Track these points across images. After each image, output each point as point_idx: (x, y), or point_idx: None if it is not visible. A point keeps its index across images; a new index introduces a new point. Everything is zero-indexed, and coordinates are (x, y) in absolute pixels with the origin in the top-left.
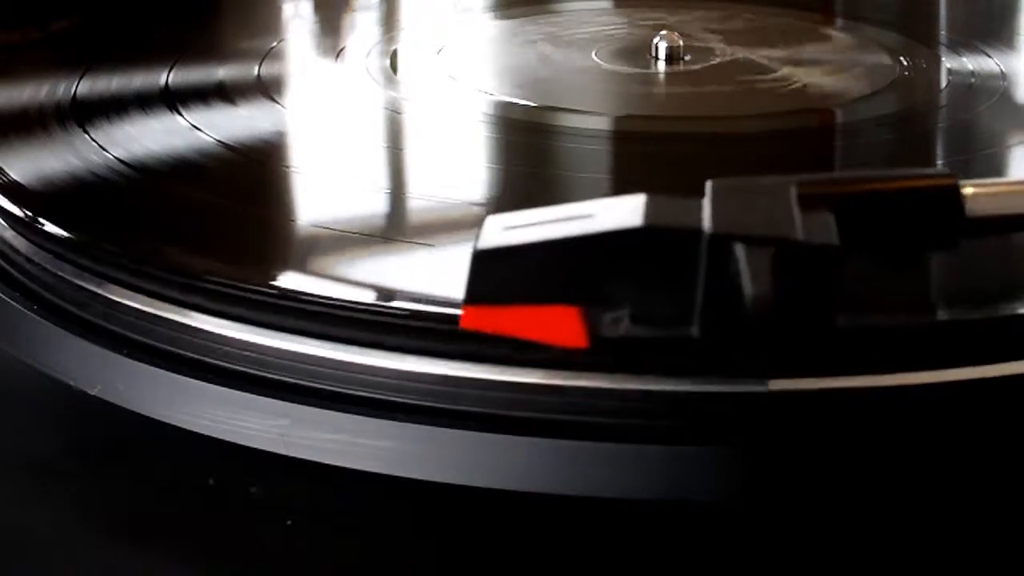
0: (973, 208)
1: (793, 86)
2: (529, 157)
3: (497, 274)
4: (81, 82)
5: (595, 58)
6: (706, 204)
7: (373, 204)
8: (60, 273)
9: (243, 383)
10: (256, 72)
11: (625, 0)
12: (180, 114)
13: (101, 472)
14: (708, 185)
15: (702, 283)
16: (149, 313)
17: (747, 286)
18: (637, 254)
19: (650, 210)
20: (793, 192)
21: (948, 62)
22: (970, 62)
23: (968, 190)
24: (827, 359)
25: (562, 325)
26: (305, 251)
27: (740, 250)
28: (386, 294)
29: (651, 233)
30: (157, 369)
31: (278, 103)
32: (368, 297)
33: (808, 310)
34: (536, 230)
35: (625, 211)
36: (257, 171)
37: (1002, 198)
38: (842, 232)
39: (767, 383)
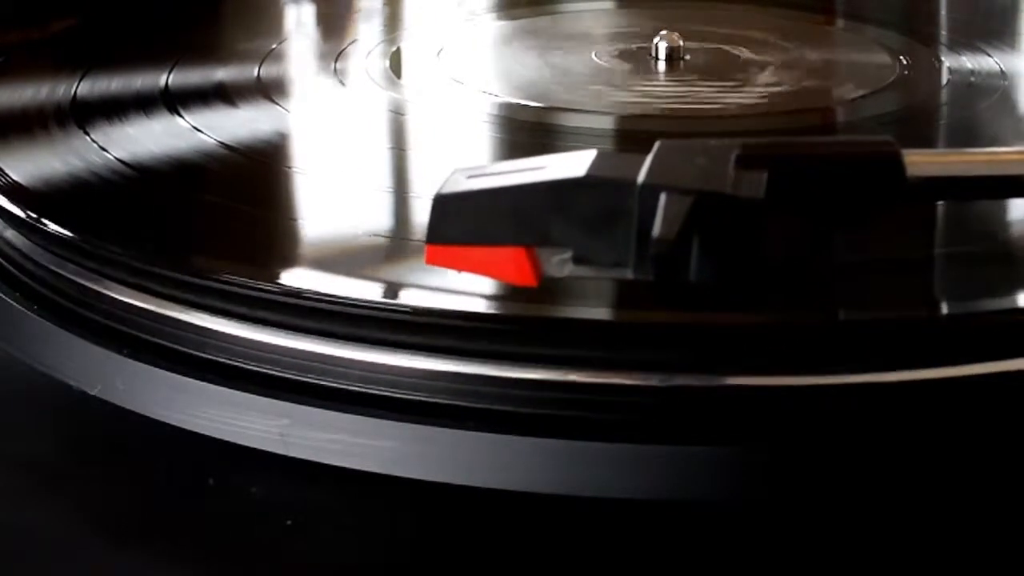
0: (914, 172)
1: (793, 86)
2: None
3: (455, 217)
4: (81, 83)
5: (596, 58)
6: (648, 159)
7: (374, 204)
8: (60, 273)
9: (243, 383)
10: (256, 73)
11: (626, 0)
12: (180, 115)
13: (101, 472)
14: (656, 143)
15: (634, 229)
16: (149, 312)
17: (656, 229)
18: (579, 202)
19: (595, 163)
20: (734, 153)
21: (948, 61)
22: (970, 61)
23: (909, 156)
24: (827, 359)
25: (512, 265)
26: (305, 251)
27: (663, 198)
28: (387, 292)
29: (591, 183)
30: (157, 369)
31: (278, 104)
32: (369, 296)
33: (730, 260)
34: (492, 179)
35: (573, 164)
36: (257, 172)
37: (942, 164)
38: (778, 192)
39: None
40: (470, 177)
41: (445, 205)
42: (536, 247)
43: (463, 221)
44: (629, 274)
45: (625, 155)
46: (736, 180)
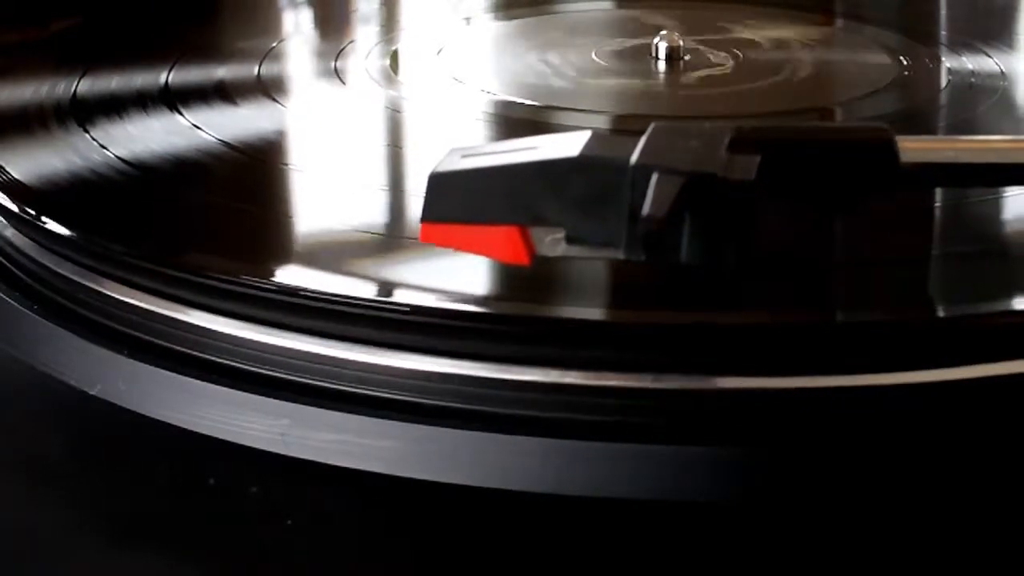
0: (908, 159)
1: (793, 86)
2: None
3: (450, 196)
4: (81, 81)
5: (595, 58)
6: (641, 141)
7: (373, 203)
8: (61, 272)
9: (243, 383)
10: (256, 71)
11: (626, 0)
12: (180, 113)
13: (101, 472)
14: (650, 125)
15: (626, 209)
16: (149, 312)
17: (645, 208)
18: (572, 181)
19: (589, 144)
20: (727, 136)
21: (948, 62)
22: (970, 62)
23: (903, 142)
24: (826, 359)
25: (505, 244)
26: (305, 250)
27: (655, 179)
28: (387, 292)
29: (584, 162)
30: (157, 369)
31: (278, 102)
32: (369, 295)
33: (720, 242)
34: (487, 158)
35: (567, 144)
36: (257, 170)
37: (935, 150)
38: (770, 175)
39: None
40: (465, 156)
41: (440, 183)
42: (529, 226)
43: (458, 200)
44: (621, 254)
45: (619, 137)
46: (728, 163)
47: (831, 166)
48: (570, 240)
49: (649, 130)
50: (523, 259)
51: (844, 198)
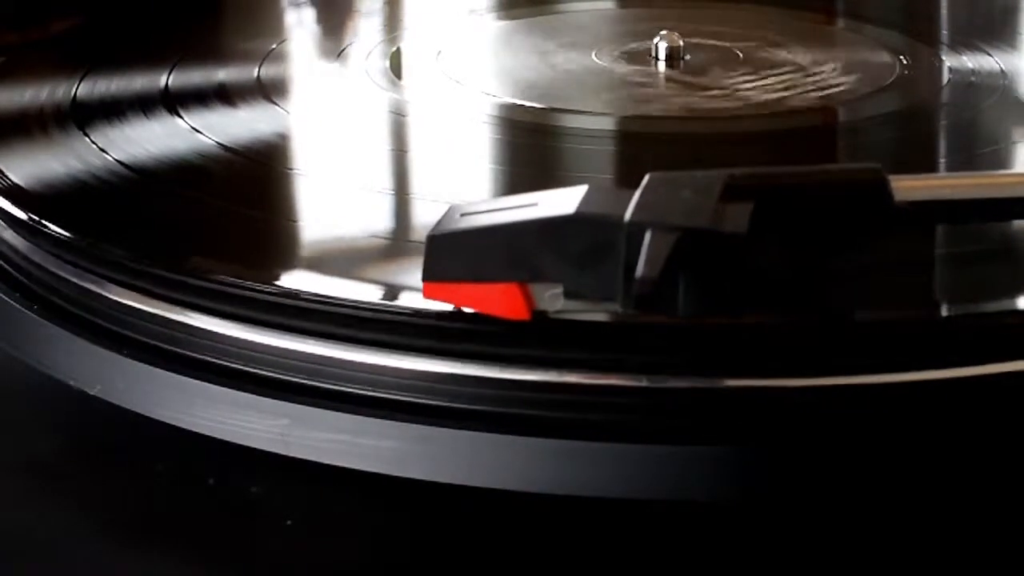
0: (902, 198)
1: (794, 85)
2: (531, 158)
3: (449, 256)
4: (81, 84)
5: (596, 59)
6: (636, 194)
7: (374, 205)
8: (60, 273)
9: (243, 383)
10: (256, 74)
11: (626, 0)
12: (180, 116)
13: (101, 472)
14: (645, 177)
15: (622, 265)
16: (149, 313)
17: (639, 269)
18: (568, 238)
19: (585, 199)
20: (720, 184)
21: (949, 61)
22: (971, 61)
23: (896, 181)
24: (826, 359)
25: (506, 300)
26: (305, 252)
27: (648, 236)
28: (386, 293)
29: (579, 220)
30: (157, 369)
31: (278, 105)
32: (369, 296)
33: (714, 295)
34: (485, 216)
35: (564, 200)
36: (257, 173)
37: (930, 188)
38: (764, 222)
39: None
40: (464, 215)
41: (439, 244)
42: (529, 282)
43: (457, 259)
44: (619, 308)
45: (615, 190)
46: (720, 214)
47: (825, 209)
48: (569, 295)
49: (644, 182)
50: (523, 314)
51: (839, 240)
